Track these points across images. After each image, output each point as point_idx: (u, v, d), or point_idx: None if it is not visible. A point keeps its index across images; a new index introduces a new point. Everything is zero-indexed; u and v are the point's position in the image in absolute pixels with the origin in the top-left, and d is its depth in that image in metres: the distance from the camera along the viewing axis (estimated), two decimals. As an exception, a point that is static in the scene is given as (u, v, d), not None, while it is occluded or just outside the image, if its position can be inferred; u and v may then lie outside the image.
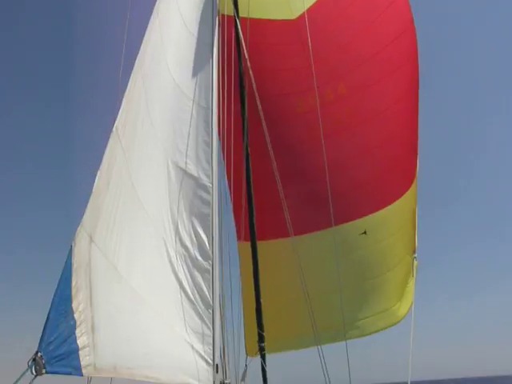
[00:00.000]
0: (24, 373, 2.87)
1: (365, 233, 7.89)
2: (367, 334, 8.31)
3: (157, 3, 5.66)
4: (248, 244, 6.93)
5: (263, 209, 7.17)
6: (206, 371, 5.11)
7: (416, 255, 8.28)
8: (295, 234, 6.75)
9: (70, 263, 3.72)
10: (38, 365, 2.93)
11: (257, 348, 6.84)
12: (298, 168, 8.04)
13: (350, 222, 7.97)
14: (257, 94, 6.28)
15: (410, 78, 7.99)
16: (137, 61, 5.11)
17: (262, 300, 6.77)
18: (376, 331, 8.36)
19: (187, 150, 5.69)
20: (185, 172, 5.62)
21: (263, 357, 6.83)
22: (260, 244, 7.04)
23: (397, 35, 7.92)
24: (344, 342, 7.17)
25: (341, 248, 7.62)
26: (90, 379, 4.71)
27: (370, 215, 8.01)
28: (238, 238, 7.35)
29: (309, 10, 7.93)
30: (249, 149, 6.57)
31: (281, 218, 6.65)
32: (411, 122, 8.06)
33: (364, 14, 8.12)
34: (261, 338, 6.74)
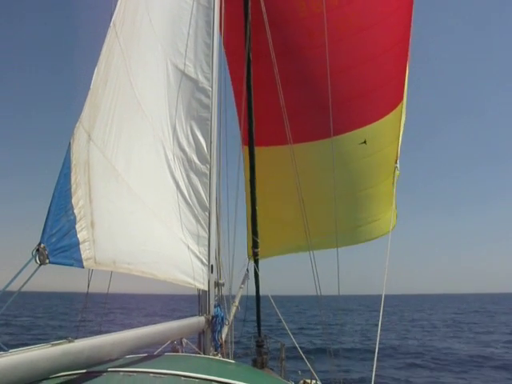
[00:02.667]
0: (29, 262, 2.95)
1: (365, 142, 7.92)
2: (360, 242, 8.59)
3: None
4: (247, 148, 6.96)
5: (264, 114, 7.13)
6: (201, 271, 5.31)
7: (397, 165, 8.37)
8: (296, 142, 6.77)
9: (69, 160, 3.72)
10: (42, 255, 3.01)
11: (263, 250, 7.08)
12: (300, 75, 7.91)
13: (351, 132, 8.00)
14: None
15: None
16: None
17: (258, 206, 6.90)
18: (367, 240, 8.63)
19: (187, 51, 5.53)
20: (184, 74, 5.50)
21: (256, 262, 7.08)
22: (260, 149, 7.07)
23: None
24: (334, 253, 7.42)
25: (340, 158, 7.69)
26: (91, 274, 4.89)
27: (370, 125, 8.02)
28: (243, 142, 7.39)
29: None
30: (251, 53, 6.39)
31: (281, 124, 6.64)
32: (408, 28, 7.87)
33: None
34: (255, 244, 6.94)
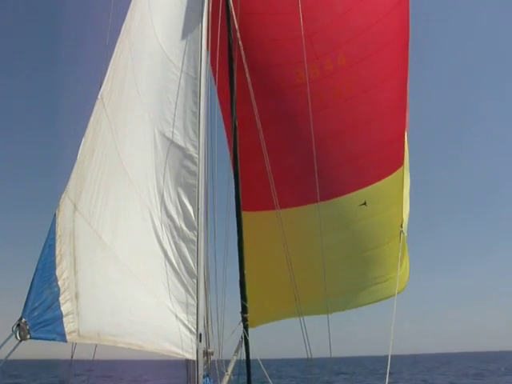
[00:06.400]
0: (8, 338, 2.88)
1: (365, 203, 7.93)
2: (360, 306, 8.42)
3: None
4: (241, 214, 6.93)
5: (258, 180, 7.15)
6: (189, 340, 5.19)
7: (402, 229, 8.31)
8: (288, 207, 6.79)
9: (54, 230, 3.71)
10: (23, 330, 2.94)
11: (254, 318, 6.92)
12: (296, 139, 8.00)
13: (350, 194, 8.02)
14: (246, 65, 6.21)
15: (403, 50, 7.95)
16: (123, 28, 5.01)
17: (253, 270, 6.82)
18: (368, 303, 8.46)
19: (174, 119, 5.64)
20: (171, 142, 5.59)
21: (246, 327, 6.92)
22: (257, 214, 7.06)
23: (392, 6, 7.84)
24: (332, 315, 7.30)
25: (340, 219, 7.69)
26: (74, 346, 4.76)
27: (369, 186, 8.05)
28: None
29: None
30: (236, 120, 6.51)
31: (277, 188, 6.68)
32: (404, 94, 8.06)
33: None
34: (244, 309, 6.82)
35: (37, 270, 3.38)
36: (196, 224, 5.44)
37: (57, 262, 3.61)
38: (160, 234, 5.24)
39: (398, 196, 8.13)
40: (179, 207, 5.44)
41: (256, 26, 7.61)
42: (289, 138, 7.88)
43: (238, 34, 6.28)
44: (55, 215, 3.81)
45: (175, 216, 5.41)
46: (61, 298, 3.47)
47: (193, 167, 5.54)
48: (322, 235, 7.22)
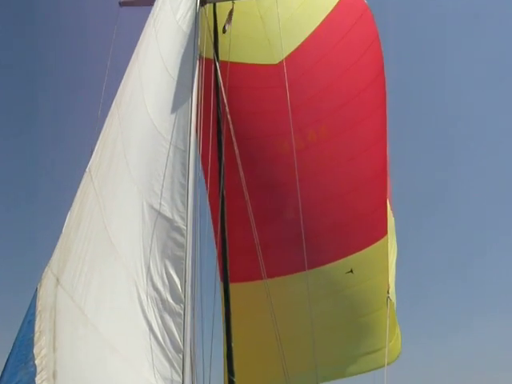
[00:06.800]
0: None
1: (351, 271, 7.91)
2: (350, 375, 8.20)
3: (137, 46, 5.72)
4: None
5: (243, 250, 7.14)
6: (174, 419, 4.96)
7: (389, 294, 8.24)
8: (279, 275, 6.73)
9: (35, 306, 3.63)
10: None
11: None
12: (280, 209, 8.09)
13: (336, 261, 8.01)
14: (234, 138, 6.35)
15: (383, 122, 8.22)
16: (114, 102, 5.14)
17: (240, 342, 6.67)
18: (360, 373, 8.25)
19: (163, 191, 5.67)
20: (159, 213, 5.58)
21: None
22: (244, 285, 6.99)
23: (372, 79, 8.18)
24: None
25: (328, 287, 7.62)
26: None
27: (355, 254, 8.06)
28: (220, 278, 7.29)
29: (290, 56, 8.15)
30: (224, 191, 6.58)
31: (265, 259, 6.64)
32: (385, 162, 8.24)
33: (342, 59, 8.40)
34: None
35: (13, 348, 3.28)
36: (183, 297, 5.34)
37: (35, 339, 3.50)
38: (146, 307, 5.13)
39: (385, 263, 8.14)
40: (166, 279, 5.36)
41: (241, 99, 7.86)
42: (273, 208, 7.97)
43: (227, 108, 6.45)
44: (36, 290, 3.74)
45: (161, 288, 5.31)
46: (37, 379, 3.34)
47: (180, 239, 5.51)
48: (310, 304, 7.13)
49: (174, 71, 6.14)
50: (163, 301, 5.29)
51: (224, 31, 6.96)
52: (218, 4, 7.64)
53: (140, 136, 5.57)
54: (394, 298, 8.28)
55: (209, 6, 7.06)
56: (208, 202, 7.82)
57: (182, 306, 5.30)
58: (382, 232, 8.19)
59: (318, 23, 8.33)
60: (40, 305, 3.69)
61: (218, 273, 6.93)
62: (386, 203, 8.28)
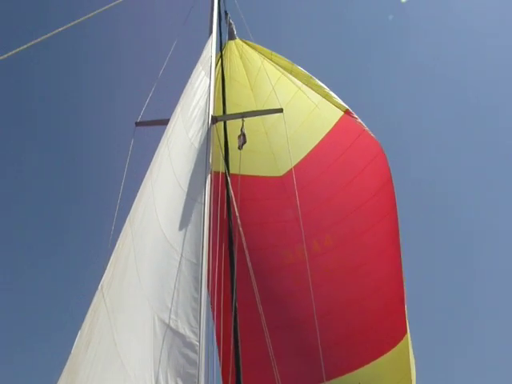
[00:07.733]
0: None
1: None
2: None
3: (150, 165, 5.93)
4: None
5: (253, 364, 6.91)
6: None
7: None
8: None
9: None
10: None
11: None
12: (287, 320, 7.93)
13: (344, 376, 7.72)
14: (246, 250, 6.37)
15: (391, 230, 8.25)
16: (127, 219, 5.24)
17: None
18: None
19: (174, 305, 5.58)
20: (171, 328, 5.45)
21: None
22: None
23: (377, 190, 8.34)
24: None
25: None
26: None
27: (363, 367, 7.79)
28: None
29: (294, 168, 8.43)
30: (237, 304, 6.49)
31: (271, 372, 6.39)
32: (396, 271, 8.17)
33: (346, 170, 8.66)
34: None
35: None
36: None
37: None
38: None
39: (397, 376, 7.86)
40: (178, 401, 5.12)
41: (248, 210, 8.01)
42: (281, 319, 7.81)
43: (239, 219, 6.54)
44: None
45: (173, 409, 5.06)
46: None
47: (193, 356, 5.32)
48: None
49: (186, 185, 6.31)
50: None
51: (240, 148, 7.28)
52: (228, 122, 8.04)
53: (152, 251, 5.60)
54: None
55: (219, 124, 7.41)
56: (213, 317, 7.64)
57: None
58: (398, 337, 7.97)
59: (318, 140, 8.78)
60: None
61: None
62: (403, 301, 8.13)
